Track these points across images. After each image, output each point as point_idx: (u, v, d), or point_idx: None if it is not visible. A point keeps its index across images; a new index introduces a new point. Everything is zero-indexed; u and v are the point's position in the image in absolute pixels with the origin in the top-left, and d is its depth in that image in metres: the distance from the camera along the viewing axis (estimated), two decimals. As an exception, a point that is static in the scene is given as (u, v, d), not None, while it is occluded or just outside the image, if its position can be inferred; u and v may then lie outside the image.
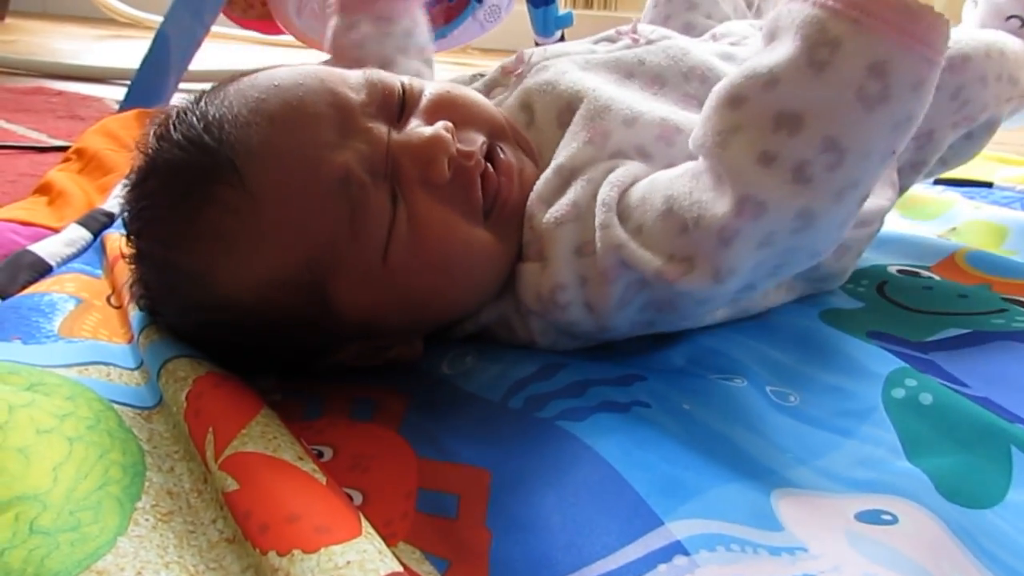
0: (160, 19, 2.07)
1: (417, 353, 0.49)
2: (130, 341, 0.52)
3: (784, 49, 0.41)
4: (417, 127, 0.46)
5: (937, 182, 0.96)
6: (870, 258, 0.66)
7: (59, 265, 0.62)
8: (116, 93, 1.43)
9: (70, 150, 0.86)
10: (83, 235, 0.67)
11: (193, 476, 0.40)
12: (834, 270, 0.59)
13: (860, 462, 0.41)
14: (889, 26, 0.39)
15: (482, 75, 0.59)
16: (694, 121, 0.51)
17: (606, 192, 0.46)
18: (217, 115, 0.44)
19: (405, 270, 0.44)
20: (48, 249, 0.63)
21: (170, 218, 0.44)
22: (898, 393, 0.47)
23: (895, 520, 0.36)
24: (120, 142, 0.88)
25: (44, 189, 0.77)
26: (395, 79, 0.48)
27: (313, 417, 0.45)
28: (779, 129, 0.40)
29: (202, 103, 0.45)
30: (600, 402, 0.43)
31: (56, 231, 0.67)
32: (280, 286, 0.43)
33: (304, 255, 0.43)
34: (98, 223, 0.70)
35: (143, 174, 0.46)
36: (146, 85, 1.02)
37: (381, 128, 0.46)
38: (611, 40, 0.59)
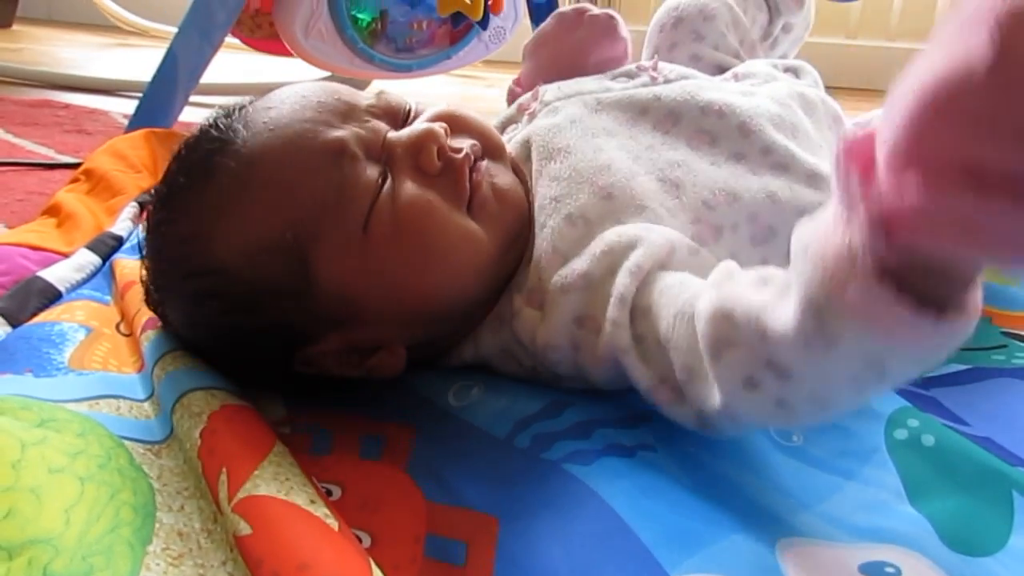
0: (165, 28, 2.09)
1: (399, 363, 0.49)
2: (140, 370, 0.52)
3: (785, 316, 0.34)
4: (414, 125, 0.50)
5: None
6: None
7: (68, 291, 0.63)
8: (122, 106, 1.44)
9: (79, 170, 0.86)
10: (92, 260, 0.68)
11: (203, 515, 0.40)
12: None
13: (863, 507, 0.41)
14: (899, 336, 0.31)
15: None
16: (699, 165, 0.52)
17: (624, 283, 0.44)
18: (239, 108, 0.50)
19: (384, 243, 0.46)
20: (57, 274, 0.64)
21: (179, 190, 0.48)
22: (900, 434, 0.47)
23: (898, 573, 0.36)
24: (128, 162, 0.88)
25: (53, 211, 0.77)
26: (406, 100, 0.52)
27: (322, 453, 0.45)
28: (769, 368, 0.37)
29: (231, 110, 0.51)
30: (606, 445, 0.43)
31: (65, 255, 0.68)
32: (266, 249, 0.46)
33: (290, 217, 0.46)
34: (107, 247, 0.71)
35: (168, 166, 0.50)
36: (154, 104, 1.03)
37: (381, 125, 0.50)
38: (630, 76, 0.59)
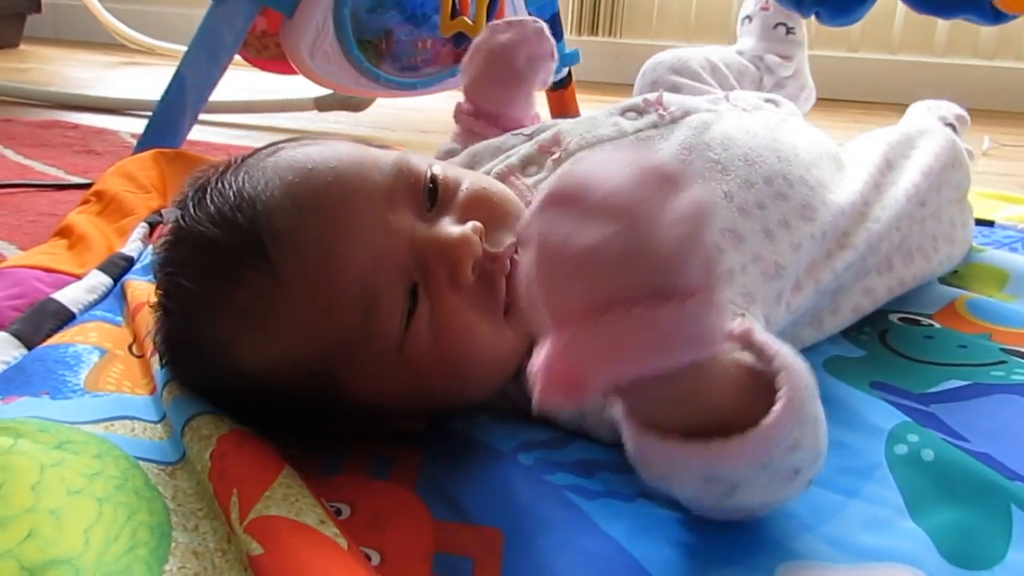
0: (171, 46, 2.12)
1: (420, 426, 0.50)
2: (152, 392, 0.53)
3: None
4: (448, 226, 0.47)
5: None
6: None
7: (82, 312, 0.64)
8: (130, 125, 1.46)
9: (89, 191, 0.88)
10: (104, 281, 0.69)
11: (217, 535, 0.41)
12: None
13: (866, 525, 0.42)
14: (679, 467, 0.37)
15: (524, 135, 0.61)
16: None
17: None
18: (250, 193, 0.45)
19: (420, 364, 0.45)
20: (70, 296, 0.65)
21: (198, 288, 0.45)
22: (900, 449, 0.48)
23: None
24: (138, 183, 0.90)
25: (65, 232, 0.79)
26: (423, 165, 0.49)
27: (331, 473, 0.46)
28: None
29: (240, 175, 0.46)
30: (607, 490, 0.44)
31: (78, 277, 0.69)
32: (294, 368, 0.45)
33: (318, 348, 0.44)
34: (118, 268, 0.72)
35: (177, 239, 0.47)
36: (163, 125, 1.04)
37: (405, 220, 0.46)
38: (638, 111, 0.60)
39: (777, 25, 0.99)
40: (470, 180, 0.51)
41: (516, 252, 0.48)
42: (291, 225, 0.44)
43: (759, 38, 1.00)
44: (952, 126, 0.92)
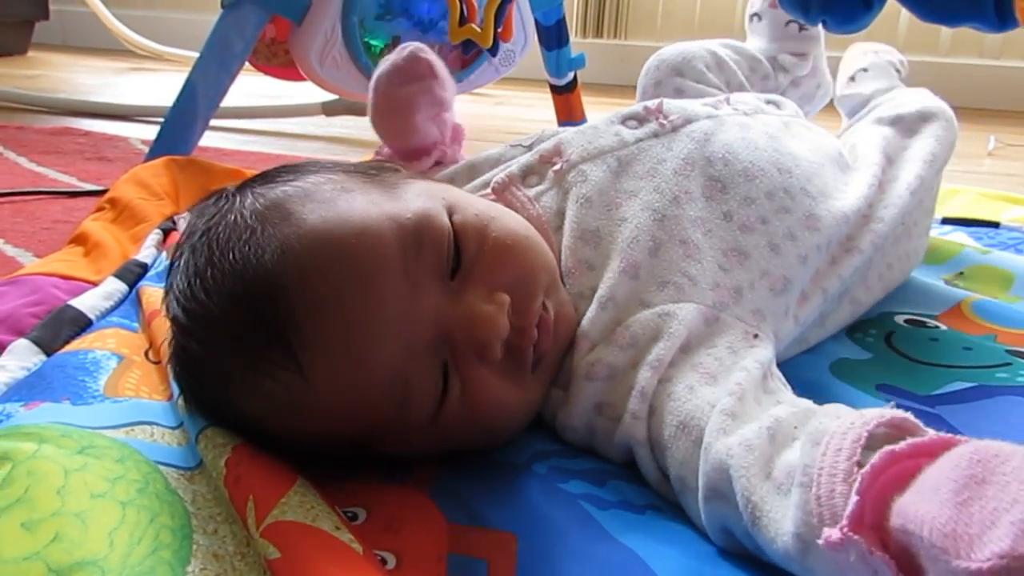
0: (178, 52, 2.13)
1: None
2: (170, 398, 0.54)
3: (775, 525, 0.37)
4: (473, 303, 0.46)
5: (945, 221, 0.99)
6: (879, 306, 0.68)
7: (99, 319, 0.65)
8: (141, 132, 1.48)
9: (103, 199, 0.89)
10: (120, 287, 0.70)
11: (236, 539, 0.42)
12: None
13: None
14: None
15: (523, 146, 0.61)
16: (715, 222, 0.54)
17: (646, 377, 0.46)
18: (260, 269, 0.42)
19: (452, 430, 0.46)
20: (88, 303, 0.66)
21: (222, 370, 0.45)
22: (905, 452, 0.48)
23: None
24: (151, 191, 0.91)
25: (80, 239, 0.80)
26: (444, 224, 0.46)
27: (344, 478, 0.47)
28: (747, 537, 0.39)
29: (251, 244, 0.43)
30: (619, 500, 0.45)
31: (94, 284, 0.70)
32: (326, 442, 0.46)
33: (351, 431, 0.45)
34: (133, 274, 0.73)
35: (190, 311, 0.45)
36: (174, 132, 1.05)
37: (429, 299, 0.45)
38: (638, 119, 0.60)
39: (789, 22, 0.94)
40: (494, 230, 0.48)
41: (545, 309, 0.48)
42: (313, 323, 0.42)
43: (771, 38, 0.95)
44: (898, 71, 0.93)
